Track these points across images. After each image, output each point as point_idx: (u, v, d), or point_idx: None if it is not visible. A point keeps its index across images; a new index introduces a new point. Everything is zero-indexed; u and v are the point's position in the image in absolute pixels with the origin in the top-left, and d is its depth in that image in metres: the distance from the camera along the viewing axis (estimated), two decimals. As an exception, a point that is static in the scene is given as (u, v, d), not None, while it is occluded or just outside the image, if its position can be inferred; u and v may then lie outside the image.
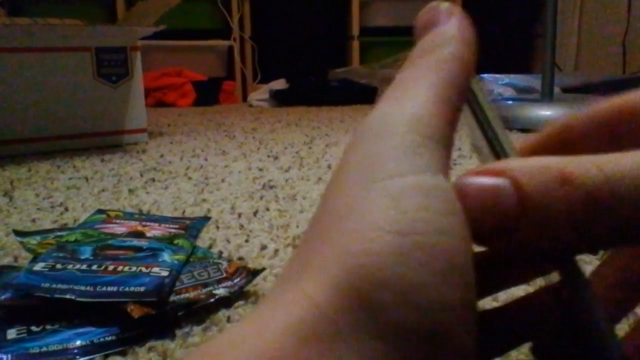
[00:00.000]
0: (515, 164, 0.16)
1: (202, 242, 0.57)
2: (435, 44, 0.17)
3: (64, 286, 0.40)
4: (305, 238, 0.16)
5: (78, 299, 0.39)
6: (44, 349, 0.36)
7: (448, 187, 0.15)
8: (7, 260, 0.52)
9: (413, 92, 0.17)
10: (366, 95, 2.27)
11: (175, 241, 0.52)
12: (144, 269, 0.43)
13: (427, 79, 0.17)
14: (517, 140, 0.18)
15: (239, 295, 0.44)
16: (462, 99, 0.17)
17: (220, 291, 0.43)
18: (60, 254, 0.46)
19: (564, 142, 0.20)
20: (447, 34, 0.17)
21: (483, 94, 0.18)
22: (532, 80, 1.91)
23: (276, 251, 0.55)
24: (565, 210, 0.15)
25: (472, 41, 0.18)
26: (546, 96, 1.43)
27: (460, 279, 0.14)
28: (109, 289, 0.40)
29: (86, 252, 0.47)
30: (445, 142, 0.16)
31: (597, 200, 0.14)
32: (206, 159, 1.07)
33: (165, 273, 0.43)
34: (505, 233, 0.15)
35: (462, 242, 0.14)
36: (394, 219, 0.14)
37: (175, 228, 0.57)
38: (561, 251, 0.16)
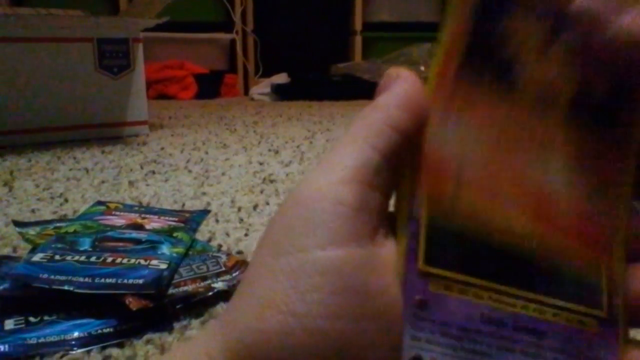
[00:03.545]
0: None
1: (202, 235, 0.57)
2: (369, 111, 0.19)
3: (63, 277, 0.40)
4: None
5: (76, 290, 0.39)
6: (42, 339, 0.36)
7: (348, 260, 0.16)
8: (6, 251, 0.52)
9: (335, 160, 0.18)
10: (368, 91, 2.26)
11: (175, 234, 0.52)
12: (142, 262, 0.43)
13: (353, 145, 0.18)
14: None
15: (238, 289, 0.44)
16: (388, 161, 0.18)
17: (219, 285, 0.43)
18: (59, 245, 0.46)
19: None
20: (381, 101, 0.19)
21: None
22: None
23: (275, 245, 0.54)
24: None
25: (409, 104, 0.18)
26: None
27: None
28: (108, 280, 0.40)
29: (85, 244, 0.47)
30: (366, 205, 0.17)
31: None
32: (207, 152, 1.06)
33: (164, 266, 0.43)
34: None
35: (349, 324, 0.16)
36: (290, 299, 0.16)
37: (174, 221, 0.57)
38: None
